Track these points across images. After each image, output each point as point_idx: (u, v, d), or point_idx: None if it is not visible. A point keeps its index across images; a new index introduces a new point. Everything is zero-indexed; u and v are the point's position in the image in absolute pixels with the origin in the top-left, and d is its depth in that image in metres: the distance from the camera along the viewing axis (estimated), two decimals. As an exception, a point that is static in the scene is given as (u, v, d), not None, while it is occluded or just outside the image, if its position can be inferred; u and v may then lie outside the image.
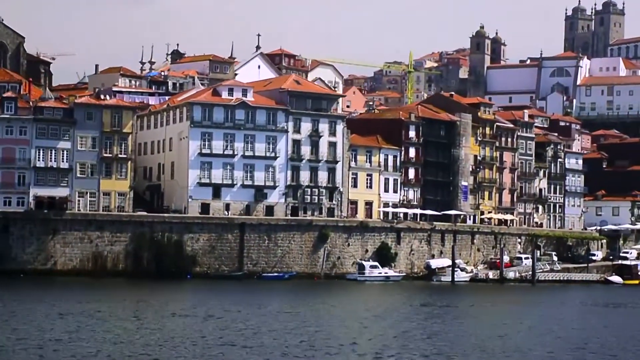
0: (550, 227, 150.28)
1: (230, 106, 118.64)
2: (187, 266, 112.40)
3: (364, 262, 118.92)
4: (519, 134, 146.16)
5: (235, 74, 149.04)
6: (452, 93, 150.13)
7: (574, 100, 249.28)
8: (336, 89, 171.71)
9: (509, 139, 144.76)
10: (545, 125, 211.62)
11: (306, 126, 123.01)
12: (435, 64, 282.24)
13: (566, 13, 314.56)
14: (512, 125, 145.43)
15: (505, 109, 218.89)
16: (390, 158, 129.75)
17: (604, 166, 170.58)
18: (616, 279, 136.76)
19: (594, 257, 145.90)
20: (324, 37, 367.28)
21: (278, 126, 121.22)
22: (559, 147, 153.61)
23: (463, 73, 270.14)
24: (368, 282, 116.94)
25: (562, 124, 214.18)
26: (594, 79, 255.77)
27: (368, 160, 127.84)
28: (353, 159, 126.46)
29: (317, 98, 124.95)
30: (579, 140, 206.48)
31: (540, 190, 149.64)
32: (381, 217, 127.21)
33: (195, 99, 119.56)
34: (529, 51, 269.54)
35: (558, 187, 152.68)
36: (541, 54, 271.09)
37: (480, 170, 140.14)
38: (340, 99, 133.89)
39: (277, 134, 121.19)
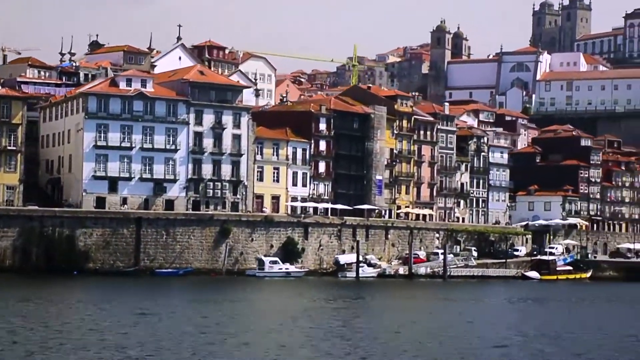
0: (472, 222, 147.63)
1: (128, 97, 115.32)
2: (80, 262, 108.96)
3: (263, 258, 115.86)
4: (439, 127, 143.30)
5: (154, 66, 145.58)
6: (370, 85, 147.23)
7: (533, 96, 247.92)
8: (266, 82, 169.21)
9: (428, 132, 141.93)
10: (492, 120, 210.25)
11: (209, 118, 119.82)
12: (399, 59, 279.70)
13: (534, 8, 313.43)
14: (431, 119, 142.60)
15: (464, 103, 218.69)
16: (299, 151, 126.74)
17: (538, 161, 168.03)
18: (533, 274, 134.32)
19: (517, 253, 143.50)
20: (288, 32, 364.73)
21: (178, 118, 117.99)
22: (482, 140, 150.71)
23: (426, 68, 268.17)
24: (268, 278, 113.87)
25: (507, 118, 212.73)
26: (553, 74, 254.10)
27: (275, 153, 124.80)
28: (259, 152, 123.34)
29: (222, 89, 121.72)
30: (525, 135, 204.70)
31: (462, 184, 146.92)
32: (289, 211, 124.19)
33: (91, 90, 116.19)
34: (498, 47, 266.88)
35: (481, 181, 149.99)
36: (501, 48, 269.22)
37: (397, 163, 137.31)
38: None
39: (177, 125, 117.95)
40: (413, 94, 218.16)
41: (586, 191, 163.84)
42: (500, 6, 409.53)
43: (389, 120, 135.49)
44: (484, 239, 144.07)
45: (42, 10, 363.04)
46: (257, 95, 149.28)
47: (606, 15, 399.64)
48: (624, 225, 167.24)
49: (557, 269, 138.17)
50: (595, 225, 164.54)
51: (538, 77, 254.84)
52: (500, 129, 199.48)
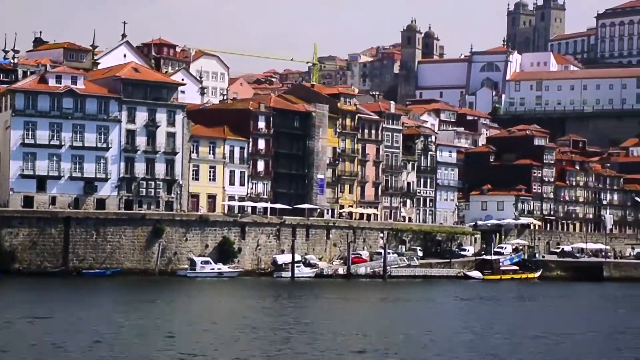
0: (419, 221, 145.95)
1: (57, 94, 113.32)
2: (5, 262, 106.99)
3: (194, 258, 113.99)
4: (384, 125, 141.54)
5: (97, 63, 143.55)
6: (314, 83, 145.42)
7: (503, 96, 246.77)
8: (218, 80, 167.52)
9: (373, 131, 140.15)
10: (453, 120, 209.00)
11: (142, 116, 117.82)
12: (371, 59, 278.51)
13: (508, 8, 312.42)
14: (376, 117, 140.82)
15: (427, 102, 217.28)
16: (237, 150, 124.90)
17: (492, 160, 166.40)
18: (476, 274, 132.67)
19: (464, 253, 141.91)
20: (261, 31, 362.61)
21: (110, 115, 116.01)
22: (429, 139, 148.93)
23: (397, 68, 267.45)
24: (199, 278, 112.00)
25: (469, 118, 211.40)
26: (523, 74, 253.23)
27: (211, 151, 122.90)
28: (194, 151, 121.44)
29: (156, 87, 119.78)
30: (487, 134, 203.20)
31: (409, 183, 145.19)
32: (225, 211, 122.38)
33: (19, 87, 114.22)
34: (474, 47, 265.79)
35: (429, 180, 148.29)
36: (471, 48, 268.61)
37: (340, 162, 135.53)
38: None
39: (109, 123, 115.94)
40: (374, 92, 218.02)
41: (539, 191, 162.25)
42: (476, 6, 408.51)
43: (332, 119, 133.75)
44: (430, 238, 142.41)
45: None
46: (202, 94, 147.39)
47: (581, 15, 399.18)
48: (577, 225, 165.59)
49: (502, 268, 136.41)
50: (548, 225, 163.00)
51: (508, 77, 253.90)
52: (461, 129, 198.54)
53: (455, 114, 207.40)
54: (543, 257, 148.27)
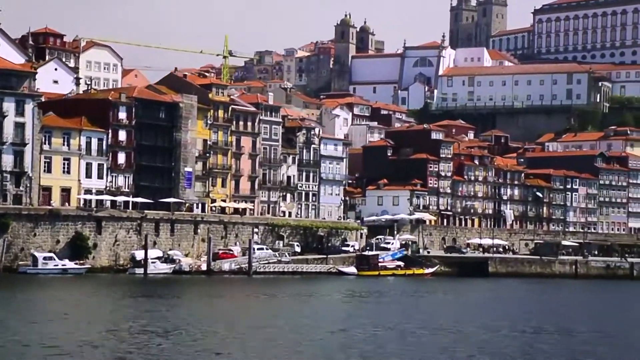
0: (301, 216, 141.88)
1: None
2: None
3: (36, 254, 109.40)
4: (262, 118, 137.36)
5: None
6: (186, 73, 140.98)
7: (435, 91, 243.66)
8: (111, 72, 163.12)
9: (249, 123, 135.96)
10: (367, 114, 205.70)
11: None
12: (308, 54, 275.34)
13: (451, 4, 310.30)
14: (253, 109, 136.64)
15: (341, 97, 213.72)
16: (95, 141, 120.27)
17: (389, 154, 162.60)
18: (350, 270, 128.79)
19: (347, 248, 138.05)
20: (201, 24, 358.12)
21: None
22: (312, 132, 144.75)
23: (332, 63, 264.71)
24: (42, 275, 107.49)
25: (383, 112, 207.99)
26: (455, 70, 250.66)
27: (66, 143, 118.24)
28: (46, 142, 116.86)
29: (4, 75, 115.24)
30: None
31: (289, 177, 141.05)
32: (81, 204, 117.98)
33: None
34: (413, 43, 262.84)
35: (312, 174, 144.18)
36: (404, 43, 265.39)
37: (211, 155, 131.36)
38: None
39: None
40: (286, 86, 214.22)
41: (436, 185, 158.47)
42: (420, 1, 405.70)
43: (203, 110, 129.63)
44: (311, 233, 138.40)
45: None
46: (77, 84, 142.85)
47: (522, 11, 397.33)
48: (476, 221, 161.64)
49: (384, 264, 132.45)
50: (445, 220, 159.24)
51: (441, 72, 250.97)
52: (374, 123, 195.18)
53: (370, 109, 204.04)
54: (428, 252, 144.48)
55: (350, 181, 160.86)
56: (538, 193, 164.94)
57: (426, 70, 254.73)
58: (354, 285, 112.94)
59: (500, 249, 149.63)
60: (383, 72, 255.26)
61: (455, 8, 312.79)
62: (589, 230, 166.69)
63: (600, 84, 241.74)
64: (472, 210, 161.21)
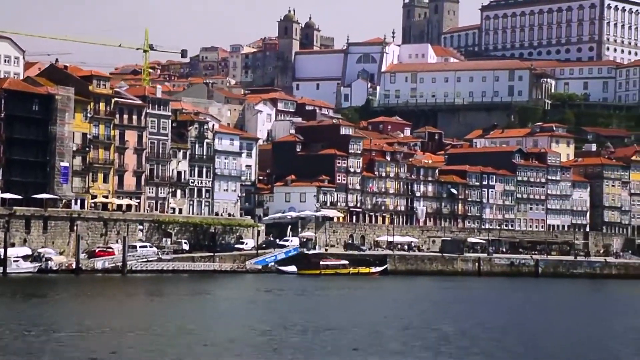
0: (194, 213, 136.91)
1: None
2: None
3: None
4: (149, 111, 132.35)
5: None
6: (67, 65, 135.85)
7: (378, 88, 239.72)
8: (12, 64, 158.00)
9: (134, 117, 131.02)
10: (292, 110, 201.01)
11: None
12: (254, 50, 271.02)
13: (404, 1, 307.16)
14: (138, 102, 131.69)
15: (265, 92, 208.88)
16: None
17: (298, 150, 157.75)
18: (290, 268, 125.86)
19: (242, 246, 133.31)
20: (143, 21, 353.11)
21: None
22: (205, 127, 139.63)
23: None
24: None
25: (308, 108, 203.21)
26: (398, 66, 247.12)
27: None
28: None
29: None
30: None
31: (179, 173, 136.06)
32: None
33: None
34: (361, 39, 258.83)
35: (205, 170, 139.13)
36: (348, 39, 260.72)
37: (91, 150, 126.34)
38: None
39: None
40: (229, 83, 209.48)
41: (344, 182, 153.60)
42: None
43: (83, 103, 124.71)
44: (203, 231, 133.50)
45: None
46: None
47: (474, 8, 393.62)
48: (387, 218, 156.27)
49: (325, 263, 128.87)
50: (354, 217, 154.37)
51: (384, 68, 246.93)
52: (298, 119, 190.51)
53: (295, 104, 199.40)
54: (326, 249, 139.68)
55: (260, 177, 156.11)
56: (453, 190, 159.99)
57: (369, 67, 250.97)
58: (241, 285, 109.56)
59: (406, 247, 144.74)
60: (327, 68, 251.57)
61: (408, 5, 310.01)
62: (506, 228, 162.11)
63: (542, 80, 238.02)
64: (382, 207, 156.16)
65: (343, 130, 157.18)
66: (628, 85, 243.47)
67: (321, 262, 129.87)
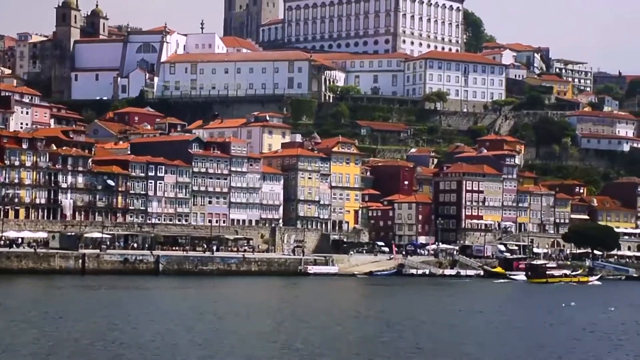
0: None
1: None
2: None
3: None
4: None
5: None
6: None
7: (156, 78, 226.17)
8: None
9: None
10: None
11: None
12: (43, 39, 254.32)
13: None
14: None
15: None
16: None
17: None
18: None
19: None
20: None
21: None
22: None
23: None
24: None
25: (4, 94, 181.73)
26: (179, 56, 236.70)
27: None
28: None
29: None
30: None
31: None
32: None
33: None
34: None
35: None
36: (127, 27, 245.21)
37: None
38: None
39: None
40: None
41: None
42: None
43: None
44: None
45: None
46: None
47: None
48: (21, 211, 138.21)
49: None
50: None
51: (164, 58, 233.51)
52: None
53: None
54: None
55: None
56: (109, 181, 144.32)
57: (150, 57, 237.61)
58: None
59: (33, 243, 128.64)
60: (107, 58, 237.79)
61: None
62: (179, 223, 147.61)
63: (323, 73, 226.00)
64: (16, 200, 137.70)
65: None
66: (415, 79, 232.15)
67: None
